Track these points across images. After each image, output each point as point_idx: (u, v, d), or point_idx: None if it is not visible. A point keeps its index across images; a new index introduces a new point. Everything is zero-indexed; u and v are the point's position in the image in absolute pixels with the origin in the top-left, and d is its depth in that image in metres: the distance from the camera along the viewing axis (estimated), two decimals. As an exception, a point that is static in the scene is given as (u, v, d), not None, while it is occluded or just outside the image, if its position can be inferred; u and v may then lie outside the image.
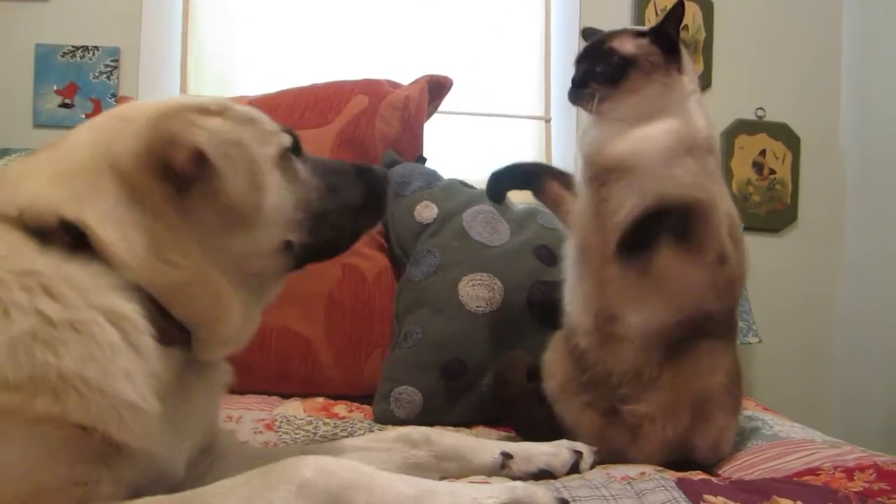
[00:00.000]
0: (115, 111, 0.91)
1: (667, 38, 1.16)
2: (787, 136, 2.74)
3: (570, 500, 0.89)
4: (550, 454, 1.08)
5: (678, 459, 1.14)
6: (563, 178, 1.33)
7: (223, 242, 0.85)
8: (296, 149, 0.96)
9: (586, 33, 1.30)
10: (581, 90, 1.17)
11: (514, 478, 1.04)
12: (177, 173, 0.80)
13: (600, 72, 1.16)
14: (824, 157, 2.77)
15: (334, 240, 1.00)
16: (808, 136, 2.75)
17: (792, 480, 1.02)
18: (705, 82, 2.74)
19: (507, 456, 1.07)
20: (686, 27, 2.75)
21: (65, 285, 0.73)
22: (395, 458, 1.03)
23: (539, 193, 1.37)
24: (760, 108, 2.74)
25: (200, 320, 0.84)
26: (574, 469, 1.08)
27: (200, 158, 0.81)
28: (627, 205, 1.13)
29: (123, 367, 0.73)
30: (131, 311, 0.76)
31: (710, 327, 1.17)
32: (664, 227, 1.11)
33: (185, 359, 0.84)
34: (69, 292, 0.73)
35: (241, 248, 0.87)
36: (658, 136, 1.13)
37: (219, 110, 0.88)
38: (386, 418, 1.42)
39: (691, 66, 1.20)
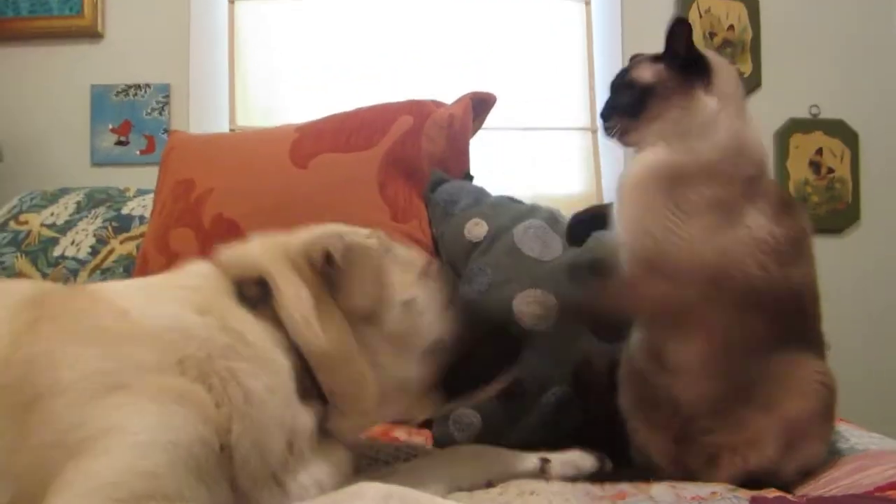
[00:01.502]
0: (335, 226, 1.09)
1: (679, 60, 1.14)
2: (843, 133, 2.66)
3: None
4: (578, 458, 1.20)
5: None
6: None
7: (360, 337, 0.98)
8: (438, 270, 1.11)
9: (633, 61, 1.27)
10: (606, 124, 1.19)
11: (552, 479, 1.16)
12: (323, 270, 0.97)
13: (622, 103, 1.17)
14: (884, 152, 2.67)
15: (460, 375, 1.08)
16: (866, 131, 2.66)
17: (874, 496, 0.97)
18: (754, 82, 2.67)
19: (545, 461, 1.18)
20: (732, 27, 2.70)
21: (253, 328, 0.90)
22: (444, 471, 1.12)
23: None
24: (814, 106, 2.67)
25: (339, 392, 0.95)
26: (600, 471, 1.18)
27: (329, 258, 0.97)
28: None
29: (280, 414, 0.86)
30: (286, 366, 0.90)
31: (791, 345, 1.10)
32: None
33: (315, 424, 0.94)
34: (255, 331, 0.90)
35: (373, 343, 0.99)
36: (635, 167, 1.14)
37: (370, 235, 1.05)
38: (445, 441, 1.41)
39: (731, 86, 1.15)
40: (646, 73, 1.16)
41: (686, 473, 1.13)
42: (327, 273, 0.97)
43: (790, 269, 1.11)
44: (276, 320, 0.93)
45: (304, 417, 0.90)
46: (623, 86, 1.18)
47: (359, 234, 1.04)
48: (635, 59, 1.22)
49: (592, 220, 1.37)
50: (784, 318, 1.10)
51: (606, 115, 1.19)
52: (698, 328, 1.10)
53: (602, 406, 1.28)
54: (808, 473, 1.12)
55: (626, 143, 1.20)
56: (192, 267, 1.02)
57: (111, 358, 0.78)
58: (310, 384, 0.93)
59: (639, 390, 1.21)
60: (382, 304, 0.99)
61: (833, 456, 1.18)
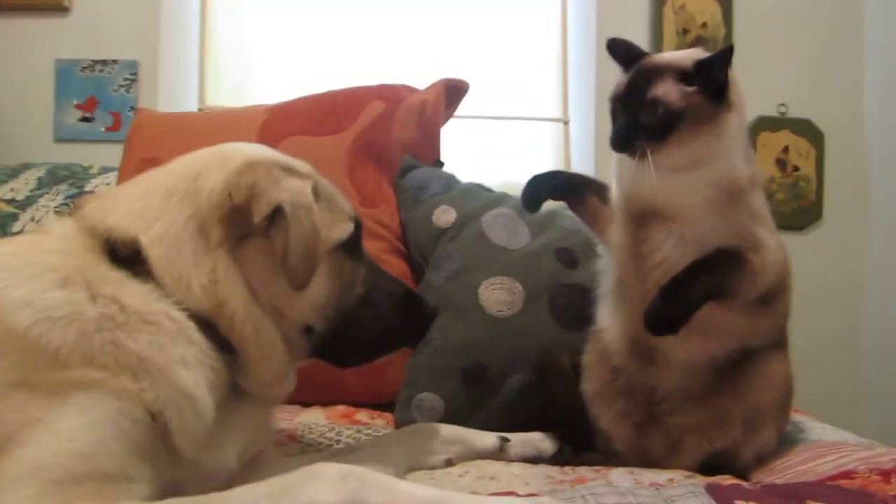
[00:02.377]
0: (223, 148, 0.99)
1: (716, 85, 1.07)
2: (810, 132, 2.70)
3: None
4: (539, 439, 1.22)
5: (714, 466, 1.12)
6: (602, 192, 1.25)
7: (261, 291, 0.92)
8: (353, 244, 1.01)
9: (613, 47, 1.19)
10: (628, 148, 1.08)
11: (512, 460, 1.16)
12: (246, 222, 0.89)
13: (646, 125, 1.06)
14: (849, 153, 2.72)
15: (354, 348, 1.04)
16: (832, 131, 2.71)
17: (826, 484, 1.00)
18: (725, 79, 2.70)
19: (504, 440, 1.19)
20: (705, 24, 2.72)
21: (131, 290, 0.85)
22: (405, 450, 1.12)
23: (577, 206, 1.29)
24: (783, 105, 2.70)
25: (244, 347, 0.90)
26: (559, 452, 1.22)
27: (277, 213, 0.88)
28: (665, 248, 1.11)
29: (183, 356, 0.83)
30: (182, 316, 0.85)
31: (762, 347, 1.15)
32: (705, 281, 1.06)
33: (231, 376, 0.90)
34: (136, 294, 0.84)
35: (273, 304, 0.93)
36: (701, 187, 1.09)
37: (305, 174, 0.96)
38: (408, 425, 1.41)
39: (739, 95, 1.11)
40: (673, 95, 1.05)
41: (647, 459, 1.15)
42: (250, 222, 0.89)
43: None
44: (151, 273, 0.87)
45: (216, 362, 0.87)
46: (645, 105, 1.07)
47: (295, 172, 0.94)
48: (650, 71, 1.10)
49: (553, 184, 1.28)
50: (765, 334, 1.15)
51: (628, 139, 1.08)
52: (706, 325, 1.10)
53: (563, 393, 1.29)
54: (762, 461, 1.15)
55: (654, 163, 1.09)
56: (54, 226, 0.94)
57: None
58: (212, 333, 0.88)
59: (606, 378, 1.22)
60: (311, 269, 0.92)
61: (788, 445, 1.21)
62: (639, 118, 1.07)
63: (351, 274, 1.00)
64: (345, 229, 0.99)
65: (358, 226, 1.02)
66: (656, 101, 1.06)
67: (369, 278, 1.03)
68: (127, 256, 0.87)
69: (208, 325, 0.87)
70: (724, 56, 1.06)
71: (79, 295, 0.81)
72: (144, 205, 0.90)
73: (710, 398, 1.14)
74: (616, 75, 1.25)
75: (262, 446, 1.03)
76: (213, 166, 0.93)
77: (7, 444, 0.71)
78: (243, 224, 0.89)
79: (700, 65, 1.07)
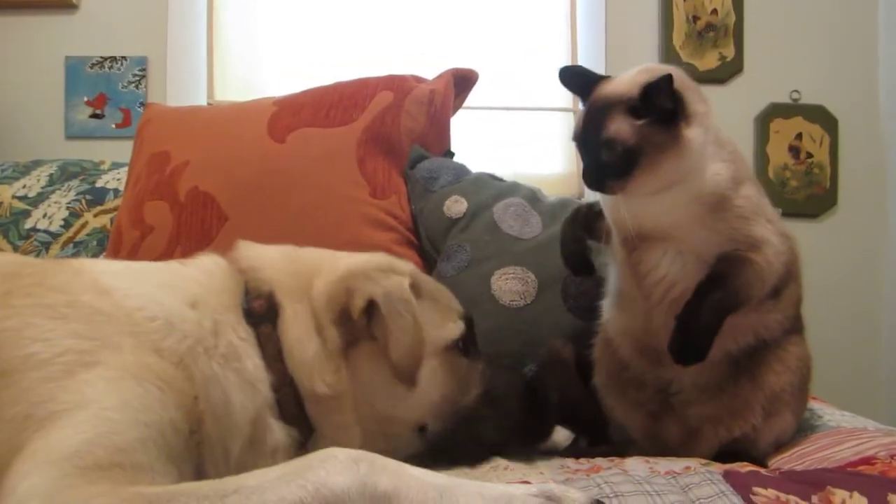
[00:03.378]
0: (329, 255, 1.05)
1: (666, 114, 1.05)
2: (823, 119, 2.67)
3: (611, 495, 0.86)
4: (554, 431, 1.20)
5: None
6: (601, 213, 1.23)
7: (372, 393, 0.96)
8: (466, 342, 1.04)
9: (566, 76, 1.18)
10: (600, 187, 1.09)
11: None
12: (352, 325, 0.94)
13: (609, 164, 1.06)
14: (863, 138, 2.69)
15: (475, 447, 1.04)
16: (846, 117, 2.68)
17: (846, 470, 0.98)
18: (736, 67, 2.68)
19: None
20: (715, 11, 2.70)
21: (246, 351, 0.91)
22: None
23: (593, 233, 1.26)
24: (795, 91, 2.68)
25: (324, 428, 0.95)
26: (572, 446, 1.21)
27: (372, 309, 0.94)
28: (664, 265, 1.11)
29: (243, 423, 0.87)
30: (265, 392, 0.91)
31: (777, 336, 1.14)
32: (717, 300, 1.04)
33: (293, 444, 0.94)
34: (249, 356, 0.90)
35: (384, 406, 0.97)
36: (682, 205, 1.07)
37: (404, 272, 1.01)
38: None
39: (700, 100, 1.09)
40: (626, 133, 1.04)
41: (663, 448, 1.14)
42: (354, 321, 0.94)
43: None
44: (275, 340, 0.93)
45: (279, 434, 0.91)
46: (601, 145, 1.06)
47: (395, 271, 1.00)
48: (600, 108, 1.08)
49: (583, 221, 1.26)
50: (780, 324, 1.14)
51: (598, 181, 1.08)
52: (723, 329, 1.08)
53: (564, 386, 1.28)
54: (780, 447, 1.13)
55: (624, 195, 1.09)
56: (205, 260, 0.99)
57: (86, 335, 0.77)
58: (296, 412, 0.93)
59: (614, 369, 1.22)
60: (416, 362, 0.96)
61: (805, 432, 1.20)
62: (601, 158, 1.07)
63: (466, 373, 1.03)
64: (454, 329, 1.03)
65: (470, 324, 1.06)
66: (612, 141, 1.05)
67: (486, 376, 1.06)
68: (259, 314, 0.93)
69: (298, 404, 0.93)
70: (665, 82, 1.03)
71: (205, 323, 0.86)
72: (293, 281, 0.97)
73: (727, 388, 1.13)
74: (626, 64, 1.23)
75: None
76: (327, 271, 0.99)
77: (54, 423, 0.71)
78: (350, 327, 0.94)
79: (645, 93, 1.04)
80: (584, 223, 1.25)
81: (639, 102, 1.04)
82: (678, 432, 1.15)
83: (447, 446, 1.01)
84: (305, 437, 0.94)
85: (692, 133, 1.06)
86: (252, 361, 0.89)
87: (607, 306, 1.25)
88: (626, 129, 1.05)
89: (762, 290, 1.08)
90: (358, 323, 0.94)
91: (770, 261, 1.07)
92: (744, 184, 1.10)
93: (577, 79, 1.17)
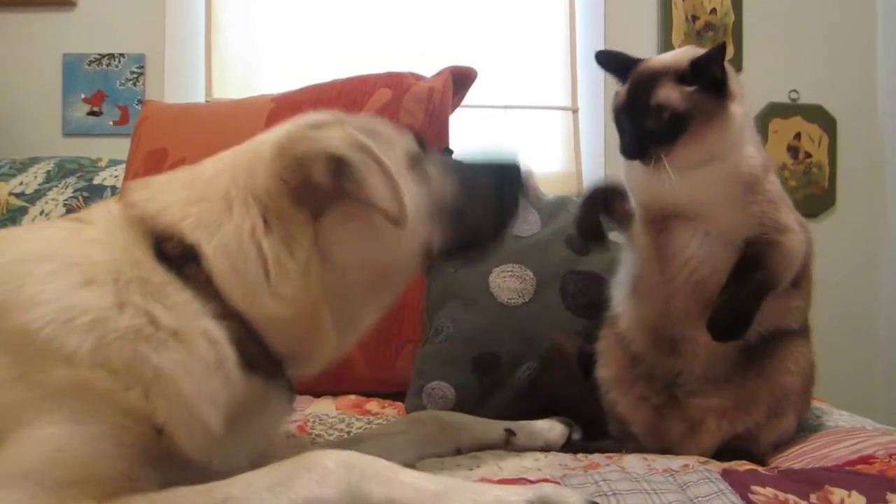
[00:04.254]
0: (249, 144, 0.93)
1: (715, 82, 1.07)
2: (822, 119, 2.67)
3: (608, 493, 0.86)
4: (547, 429, 1.18)
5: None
6: (625, 194, 1.23)
7: (364, 256, 0.86)
8: (421, 148, 0.96)
9: (604, 58, 1.20)
10: (642, 155, 1.08)
11: (519, 450, 1.13)
12: (315, 190, 0.82)
13: (655, 131, 1.07)
14: (862, 138, 2.69)
15: (475, 237, 1.00)
16: (845, 117, 2.68)
17: (844, 469, 0.98)
18: (736, 66, 2.67)
19: (510, 433, 1.16)
20: (714, 10, 2.69)
21: (171, 298, 0.77)
22: (411, 438, 1.09)
23: (609, 212, 1.28)
24: (794, 91, 2.67)
25: (294, 351, 0.86)
26: (568, 441, 1.18)
27: (338, 164, 0.81)
28: (692, 247, 1.11)
29: (212, 390, 0.76)
30: (222, 337, 0.78)
31: (790, 330, 1.15)
32: (756, 280, 1.07)
33: (264, 384, 0.84)
34: (175, 305, 0.77)
35: (383, 259, 0.88)
36: (719, 182, 1.08)
37: (337, 121, 0.89)
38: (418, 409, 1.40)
39: (738, 84, 1.11)
40: (675, 98, 1.06)
41: (664, 443, 1.13)
42: (317, 189, 0.82)
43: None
44: (205, 278, 0.80)
45: (249, 386, 0.81)
46: (650, 111, 1.07)
47: (327, 123, 0.87)
48: (648, 77, 1.10)
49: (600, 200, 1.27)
50: (795, 317, 1.16)
51: (642, 146, 1.08)
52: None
53: (564, 380, 1.28)
54: (779, 447, 1.13)
55: (670, 165, 1.08)
56: (97, 213, 0.86)
57: None
58: (259, 350, 0.82)
59: (624, 364, 1.21)
60: (398, 216, 0.83)
61: (805, 432, 1.20)
62: (646, 125, 1.08)
63: (434, 173, 0.95)
64: (406, 142, 0.95)
65: (419, 136, 0.99)
66: (661, 107, 1.07)
67: (447, 167, 0.99)
68: (177, 255, 0.80)
69: (256, 338, 0.82)
70: (718, 52, 1.07)
71: (105, 300, 0.74)
72: (202, 209, 0.83)
73: (736, 380, 1.13)
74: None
75: (277, 438, 1.03)
76: (254, 160, 0.87)
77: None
78: (312, 197, 0.83)
79: (696, 63, 1.07)
80: (603, 199, 1.26)
81: (688, 72, 1.07)
82: (681, 426, 1.14)
83: (449, 253, 0.96)
84: (280, 381, 0.86)
85: (736, 108, 1.08)
86: (174, 319, 0.76)
87: (620, 298, 1.25)
88: (676, 95, 1.07)
89: (791, 273, 1.11)
90: (324, 188, 0.82)
91: (795, 245, 1.10)
92: (770, 171, 1.13)
93: (614, 59, 1.19)
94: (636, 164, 1.11)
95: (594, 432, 1.22)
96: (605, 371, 1.24)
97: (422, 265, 0.96)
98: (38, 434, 0.68)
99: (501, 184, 1.02)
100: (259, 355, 0.82)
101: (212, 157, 0.92)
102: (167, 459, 0.74)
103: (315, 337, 0.86)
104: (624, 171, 1.19)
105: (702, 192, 1.09)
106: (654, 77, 1.09)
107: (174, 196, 0.85)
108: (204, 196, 0.84)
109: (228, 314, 0.80)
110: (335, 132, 0.84)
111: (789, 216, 1.12)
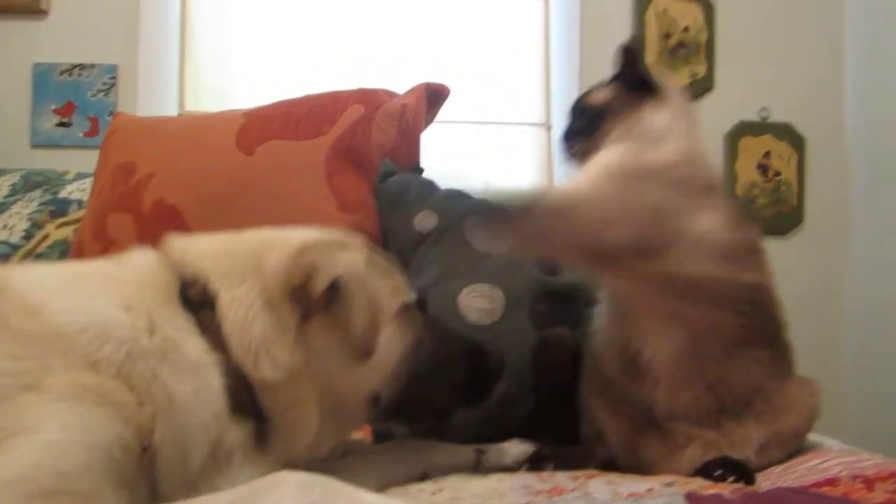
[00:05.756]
0: (275, 233, 1.01)
1: (628, 81, 1.16)
2: (791, 137, 2.71)
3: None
4: (511, 446, 1.20)
5: None
6: None
7: (328, 369, 0.94)
8: (420, 307, 1.06)
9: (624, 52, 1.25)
10: (567, 148, 1.20)
11: (489, 472, 1.14)
12: (307, 301, 0.91)
13: (577, 127, 1.18)
14: (830, 158, 2.73)
15: (420, 407, 1.05)
16: (814, 136, 2.72)
17: (809, 491, 0.98)
18: (708, 84, 2.71)
19: (480, 452, 1.18)
20: (687, 28, 2.73)
21: (190, 336, 0.86)
22: (378, 463, 1.11)
23: None
24: (764, 109, 2.71)
25: (278, 418, 0.91)
26: (535, 456, 1.18)
27: (335, 287, 0.92)
28: None
29: (207, 426, 0.82)
30: (219, 385, 0.85)
31: (762, 347, 1.15)
32: None
33: (244, 439, 0.88)
34: (191, 341, 0.85)
35: (340, 382, 0.96)
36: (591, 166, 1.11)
37: (358, 248, 1.00)
38: (385, 437, 1.38)
39: (680, 100, 1.18)
40: (597, 97, 1.18)
41: (639, 462, 1.13)
42: (311, 298, 0.92)
43: (746, 273, 1.13)
44: (216, 326, 0.88)
45: (235, 433, 0.86)
46: (577, 111, 1.20)
47: (349, 247, 0.98)
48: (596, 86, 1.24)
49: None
50: (751, 321, 1.13)
51: (564, 138, 1.20)
52: (670, 322, 1.09)
53: (552, 394, 1.28)
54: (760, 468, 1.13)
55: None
56: (135, 256, 0.95)
57: (20, 356, 0.74)
58: (247, 402, 0.88)
59: (604, 384, 1.20)
60: (375, 333, 0.96)
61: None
62: (573, 124, 1.24)
63: (416, 335, 1.03)
64: (409, 294, 1.04)
65: (422, 299, 1.08)
66: (584, 106, 1.21)
67: (435, 332, 1.07)
68: (198, 301, 0.89)
69: (249, 393, 0.88)
70: (624, 52, 1.20)
71: (140, 323, 0.82)
72: (230, 264, 0.93)
73: (725, 422, 1.11)
74: (596, 81, 1.25)
75: None
76: (275, 248, 0.95)
77: None
78: (306, 303, 0.92)
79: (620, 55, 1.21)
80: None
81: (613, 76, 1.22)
82: (659, 448, 1.13)
83: (395, 411, 1.03)
84: (260, 429, 0.90)
85: (658, 115, 1.16)
86: (192, 345, 0.84)
87: (598, 312, 1.25)
88: (597, 93, 1.21)
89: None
90: (317, 300, 0.92)
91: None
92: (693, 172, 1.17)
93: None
94: None
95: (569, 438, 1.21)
96: (585, 388, 1.24)
97: (368, 410, 1.01)
98: (39, 439, 0.69)
99: (474, 373, 1.09)
100: (249, 407, 0.88)
101: (263, 229, 1.03)
102: (141, 486, 0.76)
103: (300, 411, 0.92)
104: None
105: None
106: (596, 86, 1.21)
107: (205, 248, 0.96)
108: (232, 252, 0.95)
109: (228, 363, 0.87)
110: (348, 257, 0.95)
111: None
